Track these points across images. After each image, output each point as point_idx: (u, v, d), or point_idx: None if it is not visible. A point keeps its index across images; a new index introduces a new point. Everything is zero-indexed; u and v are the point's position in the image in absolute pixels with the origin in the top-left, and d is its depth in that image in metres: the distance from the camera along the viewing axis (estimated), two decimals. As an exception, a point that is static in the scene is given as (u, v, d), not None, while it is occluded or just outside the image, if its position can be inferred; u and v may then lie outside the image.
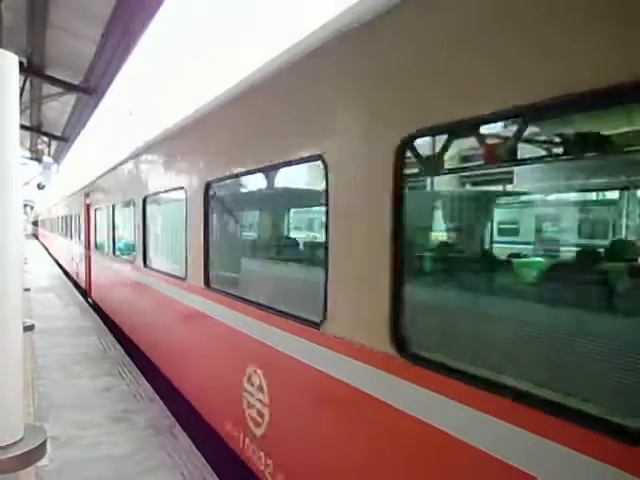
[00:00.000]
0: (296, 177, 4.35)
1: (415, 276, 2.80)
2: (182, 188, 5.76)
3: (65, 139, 15.26)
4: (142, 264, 7.77)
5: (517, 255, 6.24)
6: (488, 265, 4.23)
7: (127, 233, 9.25)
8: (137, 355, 8.04)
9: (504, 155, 3.19)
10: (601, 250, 5.65)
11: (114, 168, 10.45)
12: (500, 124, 2.60)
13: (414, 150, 2.62)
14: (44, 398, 6.24)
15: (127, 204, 9.06)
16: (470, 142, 2.99)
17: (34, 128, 14.11)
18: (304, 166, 3.57)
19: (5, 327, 4.46)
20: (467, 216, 5.48)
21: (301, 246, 5.52)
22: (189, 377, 5.86)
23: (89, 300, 14.11)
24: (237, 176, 4.59)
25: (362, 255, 2.83)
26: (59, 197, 23.99)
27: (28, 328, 7.34)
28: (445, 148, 2.99)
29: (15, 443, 4.56)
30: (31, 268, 21.12)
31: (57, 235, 24.81)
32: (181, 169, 5.98)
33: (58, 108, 11.99)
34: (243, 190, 5.23)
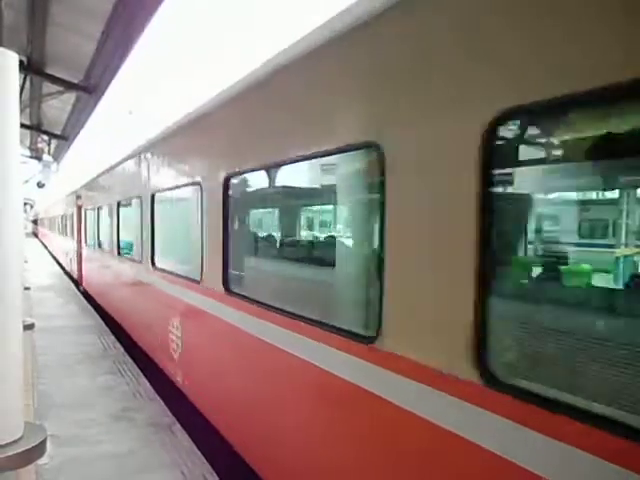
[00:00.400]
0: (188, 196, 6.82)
1: (232, 254, 4.83)
2: (140, 197, 8.08)
3: (65, 138, 15.22)
4: (117, 253, 10.20)
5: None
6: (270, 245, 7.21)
7: (108, 230, 11.30)
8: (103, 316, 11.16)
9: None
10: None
11: (97, 177, 12.71)
12: None
13: (231, 184, 4.80)
14: (44, 397, 6.24)
15: (107, 207, 11.28)
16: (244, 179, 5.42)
17: (34, 127, 14.09)
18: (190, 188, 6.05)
19: (5, 326, 4.46)
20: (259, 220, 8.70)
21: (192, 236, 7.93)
22: (138, 325, 8.51)
23: (80, 289, 15.90)
24: (166, 190, 7.03)
25: (213, 242, 5.04)
26: (55, 198, 26.77)
27: (28, 327, 7.35)
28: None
29: (15, 441, 4.57)
30: (31, 267, 21.13)
31: (54, 233, 27.42)
32: (139, 183, 8.27)
33: (58, 106, 11.98)
34: (171, 202, 7.49)
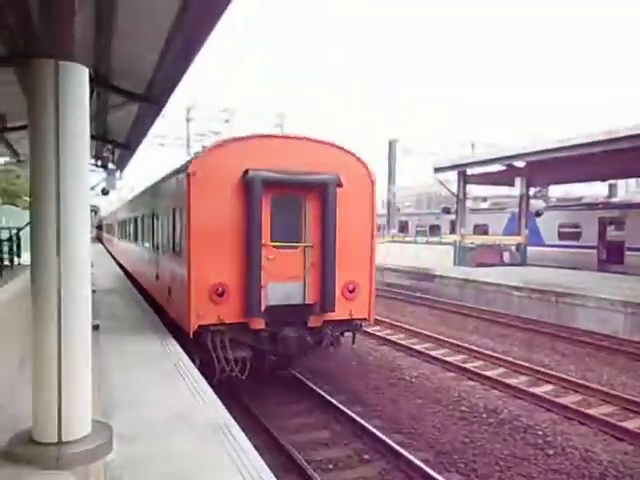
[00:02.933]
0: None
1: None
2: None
3: (128, 146, 15.83)
4: (135, 242, 17.95)
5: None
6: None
7: (125, 230, 21.99)
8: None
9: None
10: None
11: (118, 208, 28.01)
12: None
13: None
14: (109, 395, 6.48)
15: (126, 220, 21.72)
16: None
17: (99, 137, 14.72)
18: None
19: (76, 327, 4.68)
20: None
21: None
22: (128, 260, 21.16)
23: (113, 256, 30.63)
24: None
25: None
26: (110, 209, 44.41)
27: (94, 327, 7.67)
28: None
29: (84, 438, 4.77)
30: (95, 270, 22.01)
31: (106, 234, 42.97)
32: (134, 209, 18.44)
33: (121, 117, 12.45)
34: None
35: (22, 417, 5.01)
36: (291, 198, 9.34)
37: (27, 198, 37.05)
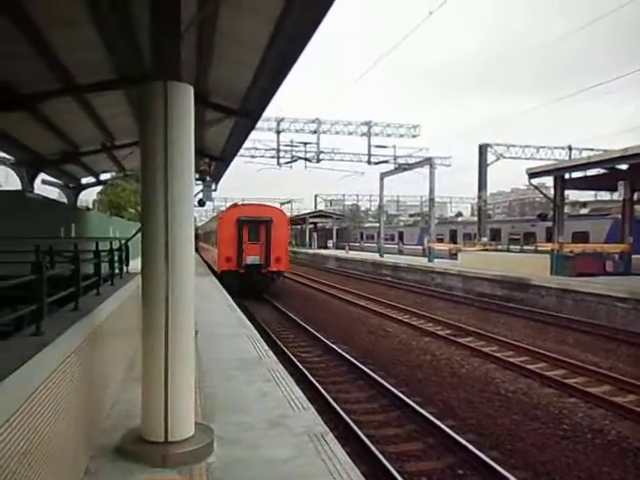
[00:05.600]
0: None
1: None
2: (214, 231, 27.93)
3: (223, 159, 16.54)
4: (210, 244, 30.68)
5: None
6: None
7: (207, 238, 35.27)
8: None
9: None
10: None
11: (204, 223, 47.08)
12: None
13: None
14: (208, 400, 6.75)
15: (203, 234, 39.45)
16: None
17: (198, 151, 15.47)
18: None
19: (182, 333, 4.92)
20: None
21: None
22: (207, 256, 33.81)
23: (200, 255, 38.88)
24: (210, 233, 31.44)
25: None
26: (203, 221, 57.56)
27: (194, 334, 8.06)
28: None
29: (188, 439, 4.99)
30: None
31: (200, 242, 50.35)
32: (206, 230, 37.53)
33: (217, 131, 13.01)
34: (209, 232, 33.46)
35: (133, 415, 5.35)
36: (255, 226, 23.59)
37: (132, 210, 39.71)
